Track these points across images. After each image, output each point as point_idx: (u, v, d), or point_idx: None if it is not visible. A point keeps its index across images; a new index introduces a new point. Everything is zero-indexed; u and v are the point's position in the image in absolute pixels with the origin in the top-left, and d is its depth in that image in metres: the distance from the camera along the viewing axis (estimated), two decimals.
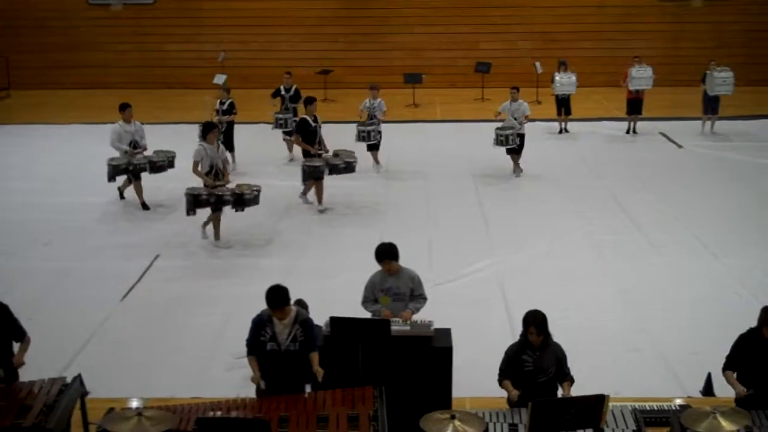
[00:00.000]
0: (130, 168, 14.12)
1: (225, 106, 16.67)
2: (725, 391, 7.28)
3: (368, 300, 8.24)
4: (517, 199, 14.83)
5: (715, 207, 14.39)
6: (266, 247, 12.69)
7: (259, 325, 6.94)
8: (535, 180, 15.77)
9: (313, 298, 9.02)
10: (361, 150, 15.77)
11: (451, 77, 21.42)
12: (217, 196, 12.43)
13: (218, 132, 15.83)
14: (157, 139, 19.07)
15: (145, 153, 14.35)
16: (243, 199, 12.44)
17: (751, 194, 15.07)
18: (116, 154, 14.32)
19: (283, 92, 17.64)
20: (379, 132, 16.44)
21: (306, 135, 14.03)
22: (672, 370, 8.96)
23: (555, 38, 24.89)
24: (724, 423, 5.82)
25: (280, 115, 17.14)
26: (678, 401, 7.50)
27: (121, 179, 14.48)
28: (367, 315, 8.10)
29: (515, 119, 15.75)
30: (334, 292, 10.31)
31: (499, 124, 16.12)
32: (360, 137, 16.36)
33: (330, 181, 14.31)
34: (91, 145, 18.19)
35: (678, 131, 19.80)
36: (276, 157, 17.31)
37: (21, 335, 7.34)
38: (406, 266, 8.22)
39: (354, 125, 16.59)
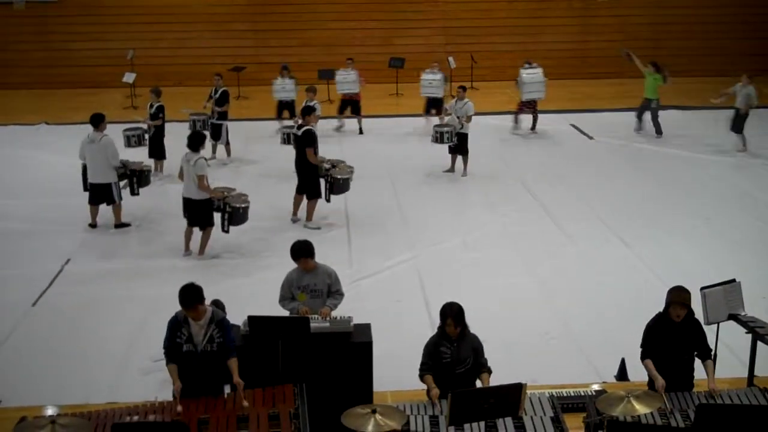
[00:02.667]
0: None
1: (153, 110, 15.97)
2: (639, 375, 7.47)
3: (285, 298, 8.20)
4: (433, 194, 14.92)
5: (625, 196, 14.76)
6: (178, 249, 12.45)
7: (175, 326, 6.80)
8: (450, 175, 15.89)
9: (230, 298, 8.95)
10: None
11: (366, 73, 21.41)
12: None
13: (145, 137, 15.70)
14: (68, 140, 18.71)
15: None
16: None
17: (658, 183, 15.52)
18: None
19: (211, 94, 17.35)
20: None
21: (316, 146, 13.38)
22: (587, 357, 9.16)
23: (467, 33, 25.12)
24: (638, 406, 5.99)
25: (197, 117, 16.85)
26: (594, 387, 7.68)
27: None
28: (285, 313, 8.07)
29: (458, 118, 15.81)
30: (250, 291, 10.23)
31: (438, 121, 16.20)
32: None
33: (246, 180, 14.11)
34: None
35: (588, 123, 20.21)
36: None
37: None
38: (322, 263, 8.21)
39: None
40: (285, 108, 18.83)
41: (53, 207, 14.25)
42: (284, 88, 18.82)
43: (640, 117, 19.22)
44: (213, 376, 6.78)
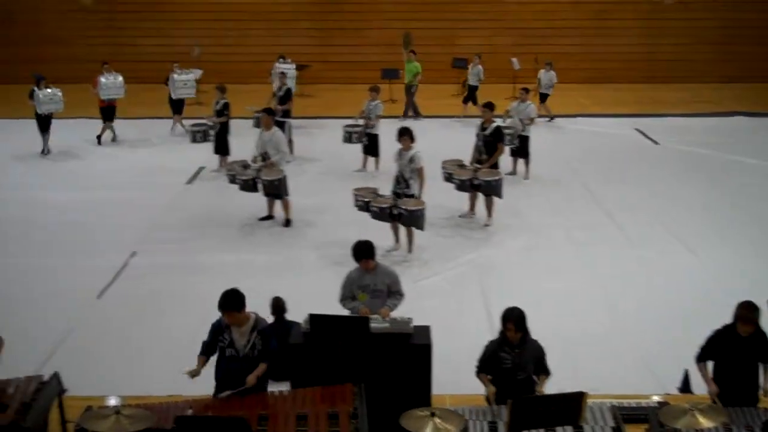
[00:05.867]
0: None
1: (219, 107, 16.23)
2: (703, 388, 7.33)
3: (346, 297, 8.24)
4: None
5: (690, 203, 14.51)
6: (247, 244, 12.63)
7: (217, 330, 6.92)
8: (512, 178, 15.79)
9: (291, 295, 9.03)
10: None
11: (429, 73, 21.41)
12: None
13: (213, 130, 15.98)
14: (134, 135, 19.08)
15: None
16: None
17: (724, 191, 15.22)
18: None
19: (275, 91, 17.57)
20: (370, 135, 16.11)
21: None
22: (649, 367, 9.01)
23: (532, 34, 24.95)
24: (702, 420, 5.86)
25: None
26: (655, 398, 7.55)
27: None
28: (346, 312, 8.10)
29: (520, 120, 15.72)
30: (313, 289, 10.28)
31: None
32: (344, 138, 16.29)
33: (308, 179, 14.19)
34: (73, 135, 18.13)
35: (654, 128, 19.90)
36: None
37: None
38: (384, 263, 8.23)
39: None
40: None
41: (119, 200, 14.56)
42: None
43: None
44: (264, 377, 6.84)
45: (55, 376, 6.97)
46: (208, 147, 16.33)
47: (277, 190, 13.07)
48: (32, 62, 24.18)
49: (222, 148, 16.18)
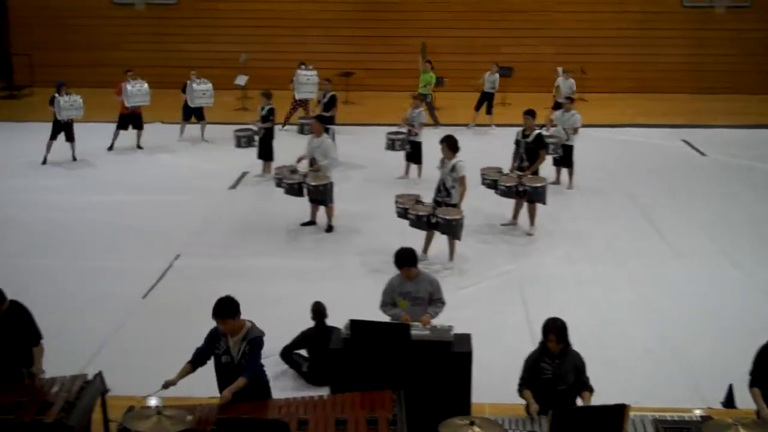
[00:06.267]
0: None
1: (264, 112, 16.38)
2: (747, 403, 7.22)
3: (387, 304, 8.26)
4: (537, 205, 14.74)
5: (736, 215, 14.30)
6: (285, 249, 12.71)
7: (214, 338, 6.94)
8: (555, 187, 15.68)
9: (332, 301, 9.07)
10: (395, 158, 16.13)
11: (473, 81, 21.36)
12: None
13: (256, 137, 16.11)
14: (181, 140, 19.31)
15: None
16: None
17: None
18: None
19: (320, 98, 17.72)
20: (413, 142, 16.10)
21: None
22: (692, 381, 8.90)
23: (577, 43, 24.79)
24: None
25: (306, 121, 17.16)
26: (698, 412, 7.43)
27: None
28: (386, 319, 8.11)
29: (564, 129, 15.62)
30: (353, 295, 10.31)
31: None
32: (387, 145, 16.36)
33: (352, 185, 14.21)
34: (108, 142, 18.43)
35: (700, 139, 19.67)
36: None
37: (36, 339, 7.33)
38: (425, 270, 8.23)
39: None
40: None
41: (164, 203, 14.73)
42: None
43: None
44: (250, 387, 6.80)
45: (99, 376, 7.07)
46: (251, 152, 16.47)
47: (322, 196, 13.14)
48: (82, 66, 24.64)
49: (266, 154, 16.32)
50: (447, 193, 12.01)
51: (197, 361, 6.97)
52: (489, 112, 20.77)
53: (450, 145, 11.98)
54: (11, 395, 6.69)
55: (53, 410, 6.49)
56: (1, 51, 27.26)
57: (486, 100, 20.88)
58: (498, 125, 20.45)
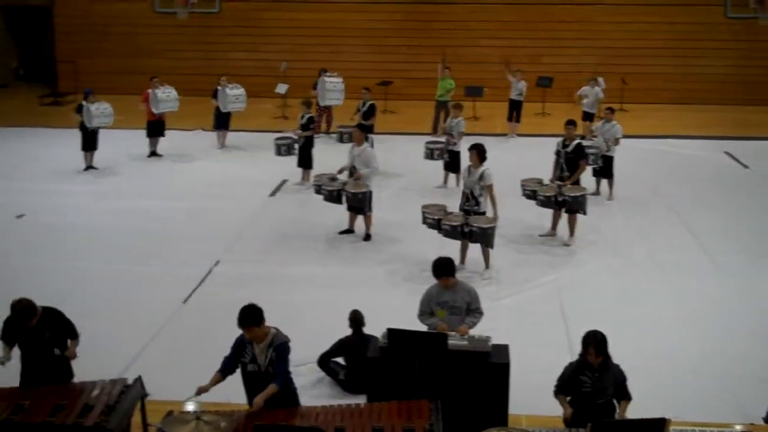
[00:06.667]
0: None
1: (303, 120, 16.45)
2: None
3: (424, 313, 8.25)
4: (577, 216, 14.65)
5: None
6: (323, 257, 12.76)
7: (240, 346, 6.96)
8: (595, 198, 15.56)
9: (369, 309, 9.07)
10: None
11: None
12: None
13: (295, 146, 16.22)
14: (222, 144, 19.48)
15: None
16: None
17: None
18: None
19: (359, 107, 17.81)
20: (452, 152, 16.07)
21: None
22: (733, 395, 8.76)
23: (619, 54, 24.61)
24: None
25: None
26: (739, 428, 7.34)
27: None
28: (423, 328, 8.10)
29: (605, 140, 15.50)
30: (389, 304, 10.31)
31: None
32: (426, 154, 16.35)
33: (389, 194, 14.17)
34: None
35: (744, 151, 19.41)
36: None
37: (75, 335, 7.63)
38: (463, 280, 8.21)
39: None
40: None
41: (204, 210, 14.88)
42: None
43: None
44: (279, 395, 6.82)
45: (138, 380, 7.14)
46: (291, 160, 16.57)
47: (360, 204, 13.17)
48: (126, 73, 25.02)
49: (305, 162, 16.40)
50: (475, 201, 11.96)
51: (226, 369, 7.02)
52: (515, 119, 20.70)
53: (479, 153, 11.93)
54: (53, 398, 6.79)
55: (93, 413, 6.58)
56: (46, 58, 27.76)
57: (514, 108, 20.79)
58: (536, 135, 20.35)
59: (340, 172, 13.58)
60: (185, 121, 20.58)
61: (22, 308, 7.21)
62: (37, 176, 17.13)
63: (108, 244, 13.21)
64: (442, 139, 16.31)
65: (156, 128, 18.69)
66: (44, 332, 7.30)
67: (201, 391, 6.77)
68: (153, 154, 18.71)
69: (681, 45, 24.82)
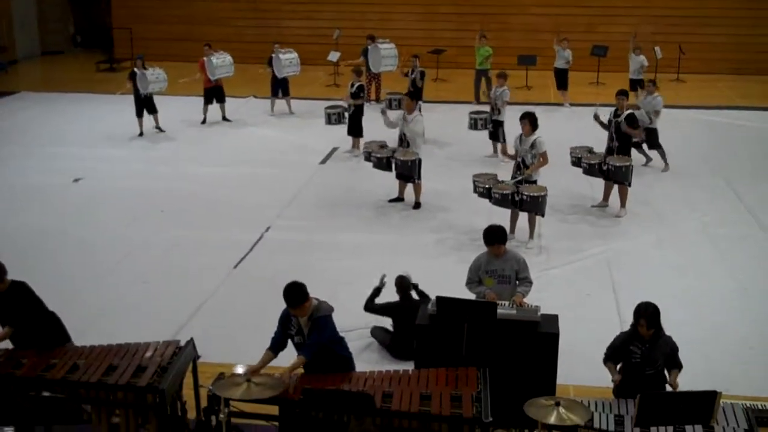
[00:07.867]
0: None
1: (353, 89, 16.41)
2: None
3: (473, 281, 8.25)
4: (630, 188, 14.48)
5: None
6: (377, 225, 12.79)
7: (286, 319, 6.98)
8: (647, 168, 15.34)
9: (415, 277, 9.10)
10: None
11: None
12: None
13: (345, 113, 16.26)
14: (272, 114, 19.60)
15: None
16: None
17: None
18: None
19: (409, 74, 17.76)
20: (495, 121, 15.89)
21: None
22: None
23: (676, 23, 24.10)
24: None
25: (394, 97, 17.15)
26: None
27: None
28: (471, 296, 8.10)
29: (647, 113, 15.24)
30: (437, 271, 10.32)
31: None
32: (470, 125, 16.26)
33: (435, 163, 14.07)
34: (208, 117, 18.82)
35: None
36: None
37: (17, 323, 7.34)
38: (512, 249, 8.18)
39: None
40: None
41: (256, 177, 15.00)
42: None
43: None
44: (323, 363, 6.89)
45: (190, 342, 7.26)
46: (342, 128, 16.60)
47: (410, 171, 13.16)
48: (181, 40, 25.23)
49: (355, 130, 16.42)
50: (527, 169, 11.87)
51: (275, 346, 7.00)
52: (565, 87, 20.44)
53: (531, 121, 11.81)
54: (108, 358, 6.95)
55: (147, 374, 6.71)
56: (102, 25, 28.07)
57: (560, 77, 20.53)
58: (590, 105, 20.05)
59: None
60: (239, 89, 20.71)
61: None
62: (93, 141, 17.42)
63: (161, 210, 13.39)
64: (486, 108, 16.17)
65: (214, 94, 18.82)
66: (10, 305, 7.25)
67: (253, 372, 6.59)
68: (224, 119, 18.95)
69: (740, 14, 24.18)
